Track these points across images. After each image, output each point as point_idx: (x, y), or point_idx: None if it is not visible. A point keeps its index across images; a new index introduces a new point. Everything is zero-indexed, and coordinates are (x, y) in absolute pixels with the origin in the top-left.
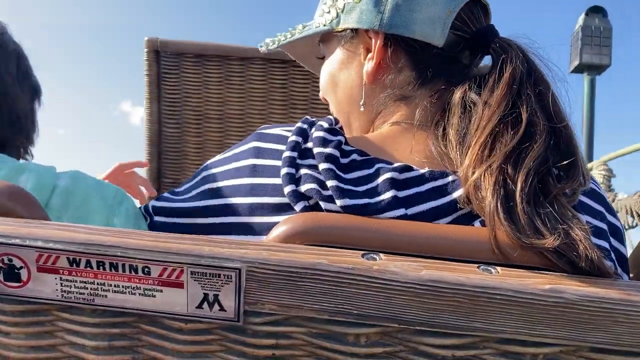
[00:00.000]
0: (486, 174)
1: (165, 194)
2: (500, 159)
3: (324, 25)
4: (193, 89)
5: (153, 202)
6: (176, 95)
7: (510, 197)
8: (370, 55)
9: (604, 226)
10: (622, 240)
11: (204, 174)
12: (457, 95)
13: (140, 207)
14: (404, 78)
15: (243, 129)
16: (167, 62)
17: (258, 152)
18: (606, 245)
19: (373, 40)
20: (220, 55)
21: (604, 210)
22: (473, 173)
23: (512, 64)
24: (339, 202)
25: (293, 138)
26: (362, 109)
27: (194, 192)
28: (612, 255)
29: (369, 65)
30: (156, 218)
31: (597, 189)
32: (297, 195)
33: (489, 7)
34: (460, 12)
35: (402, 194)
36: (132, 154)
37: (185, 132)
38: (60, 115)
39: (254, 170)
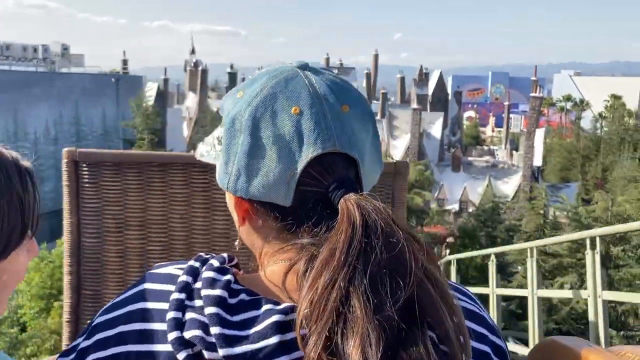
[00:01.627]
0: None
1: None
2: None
3: (214, 159)
4: (113, 197)
5: None
6: (95, 204)
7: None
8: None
9: (487, 349)
10: None
11: (96, 321)
12: (306, 244)
13: None
14: (271, 225)
15: (165, 235)
16: (85, 172)
17: (148, 295)
18: None
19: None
20: (140, 162)
21: (486, 332)
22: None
23: (350, 226)
24: (221, 352)
25: (183, 278)
26: (236, 248)
27: (83, 345)
28: None
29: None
30: None
31: (478, 310)
32: (181, 343)
33: (354, 153)
34: (309, 169)
35: (288, 336)
36: None
37: (105, 241)
38: None
39: (143, 316)
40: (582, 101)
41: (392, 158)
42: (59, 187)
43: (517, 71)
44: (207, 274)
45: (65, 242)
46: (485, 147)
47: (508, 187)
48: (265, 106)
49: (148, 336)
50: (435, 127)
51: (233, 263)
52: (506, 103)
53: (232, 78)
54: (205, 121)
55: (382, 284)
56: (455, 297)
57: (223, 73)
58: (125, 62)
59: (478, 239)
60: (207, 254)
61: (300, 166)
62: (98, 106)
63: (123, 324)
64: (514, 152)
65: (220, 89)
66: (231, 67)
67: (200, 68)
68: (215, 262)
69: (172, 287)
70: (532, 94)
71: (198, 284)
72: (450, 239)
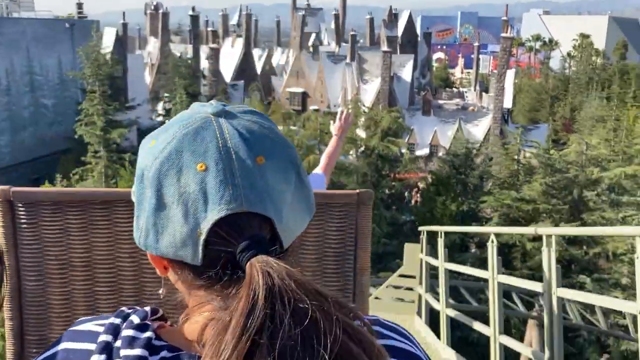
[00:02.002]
0: None
1: None
2: None
3: None
4: (53, 238)
5: None
6: (35, 245)
7: None
8: None
9: None
10: None
11: None
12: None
13: None
14: (187, 279)
15: (113, 275)
16: (22, 212)
17: (68, 355)
18: None
19: None
20: (82, 200)
21: None
22: None
23: (251, 293)
24: None
25: (103, 337)
26: (161, 297)
27: None
28: None
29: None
30: None
31: (413, 350)
32: None
33: (267, 211)
34: (217, 229)
35: None
36: None
37: (48, 283)
38: None
39: None
40: (551, 41)
41: (363, 104)
42: (16, 141)
43: (486, 10)
44: (126, 332)
45: (4, 286)
46: (455, 90)
47: (478, 130)
48: (171, 162)
49: None
50: (406, 70)
51: (157, 316)
52: (475, 44)
53: (195, 21)
54: (167, 67)
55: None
56: (390, 337)
57: (185, 16)
58: (80, 5)
59: (452, 186)
60: (129, 308)
61: (206, 227)
62: (53, 54)
63: None
64: (483, 93)
65: (184, 32)
66: (193, 9)
67: (161, 11)
68: (135, 319)
69: (92, 346)
70: (503, 34)
71: (118, 343)
72: (421, 185)
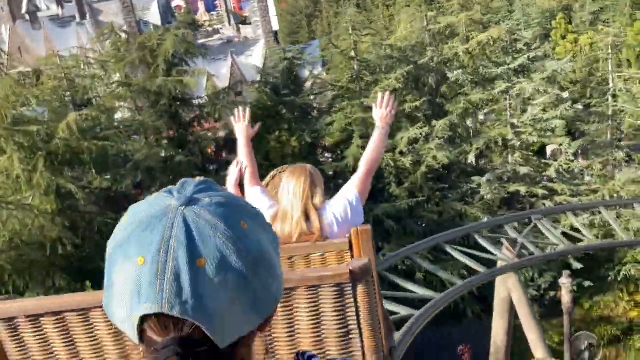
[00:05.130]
0: None
1: None
2: None
3: None
4: (39, 349)
5: None
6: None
7: None
8: None
9: None
10: None
11: None
12: None
13: None
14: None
15: None
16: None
17: None
18: None
19: None
20: (58, 310)
21: None
22: None
23: None
24: None
25: None
26: None
27: None
28: None
29: None
30: None
31: None
32: None
33: (193, 316)
34: (148, 320)
35: None
36: None
37: None
38: None
39: None
40: None
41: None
42: None
43: None
44: None
45: None
46: (210, 29)
47: (254, 59)
48: (119, 249)
49: None
50: (153, 14)
51: None
52: None
53: None
54: None
55: None
56: None
57: None
58: None
59: (282, 117)
60: None
61: (137, 317)
62: None
63: None
64: (240, 26)
65: None
66: None
67: None
68: None
69: None
70: None
71: None
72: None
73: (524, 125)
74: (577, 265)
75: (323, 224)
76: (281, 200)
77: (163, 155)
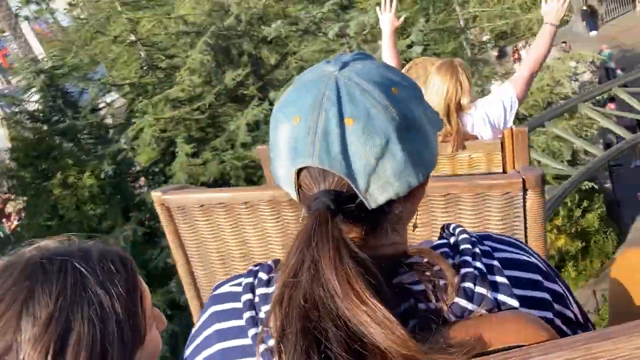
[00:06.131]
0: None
1: None
2: None
3: None
4: (210, 235)
5: None
6: (196, 242)
7: None
8: None
9: (545, 295)
10: (566, 305)
11: (186, 353)
12: None
13: None
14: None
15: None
16: (179, 215)
17: (217, 316)
18: (548, 314)
19: None
20: (226, 202)
21: (539, 278)
22: None
23: (298, 238)
24: None
25: (246, 297)
26: None
27: None
28: (558, 321)
29: None
30: None
31: (527, 258)
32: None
33: (339, 170)
34: (303, 176)
35: None
36: None
37: (214, 272)
38: None
39: (219, 335)
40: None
41: None
42: None
43: None
44: (259, 290)
45: (180, 272)
46: None
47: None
48: (282, 109)
49: (229, 354)
50: None
51: (276, 274)
52: None
53: None
54: None
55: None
56: (503, 249)
57: None
58: None
59: (61, 148)
60: (256, 265)
61: (293, 172)
62: None
63: (204, 349)
64: None
65: None
66: None
67: None
68: (263, 275)
69: (237, 305)
70: None
71: (257, 299)
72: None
73: None
74: None
75: (471, 124)
76: (426, 97)
77: None
